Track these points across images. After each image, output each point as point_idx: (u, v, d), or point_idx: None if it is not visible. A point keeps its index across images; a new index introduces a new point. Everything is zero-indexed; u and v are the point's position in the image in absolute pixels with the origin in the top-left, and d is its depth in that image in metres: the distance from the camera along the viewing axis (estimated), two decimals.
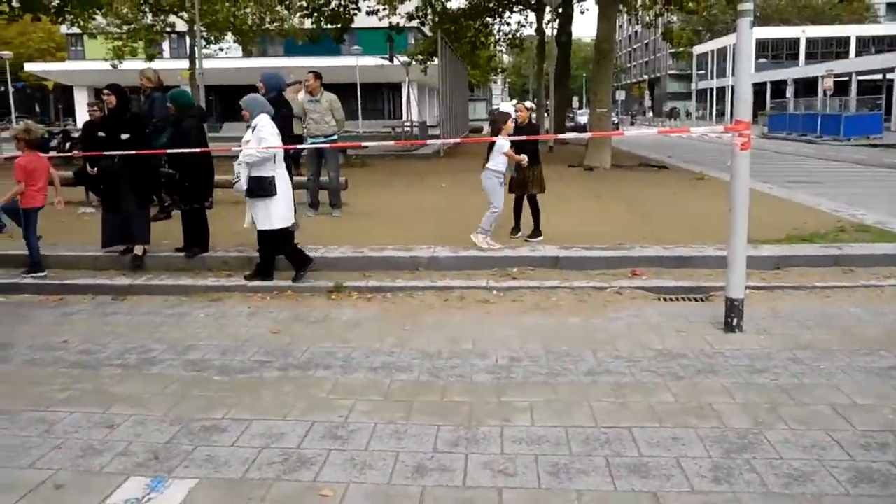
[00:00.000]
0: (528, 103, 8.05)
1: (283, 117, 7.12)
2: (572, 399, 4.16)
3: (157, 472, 3.41)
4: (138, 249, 7.24)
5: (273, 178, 6.41)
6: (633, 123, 64.90)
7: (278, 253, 6.75)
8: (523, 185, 8.05)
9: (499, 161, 7.55)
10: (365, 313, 5.94)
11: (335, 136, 9.70)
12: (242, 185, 6.41)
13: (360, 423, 3.89)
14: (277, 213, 6.47)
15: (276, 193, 6.41)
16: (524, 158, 7.68)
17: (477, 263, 7.08)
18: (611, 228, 8.45)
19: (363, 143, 8.97)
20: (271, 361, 4.83)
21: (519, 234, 8.13)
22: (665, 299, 6.23)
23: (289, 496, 3.18)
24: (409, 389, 4.33)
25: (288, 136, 7.02)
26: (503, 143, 7.47)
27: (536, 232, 8.03)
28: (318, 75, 9.58)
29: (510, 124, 7.58)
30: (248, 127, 6.45)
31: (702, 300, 6.20)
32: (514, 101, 7.93)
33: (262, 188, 6.38)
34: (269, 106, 6.60)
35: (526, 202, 8.19)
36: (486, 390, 4.30)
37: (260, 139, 6.33)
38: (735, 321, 5.30)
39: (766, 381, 4.38)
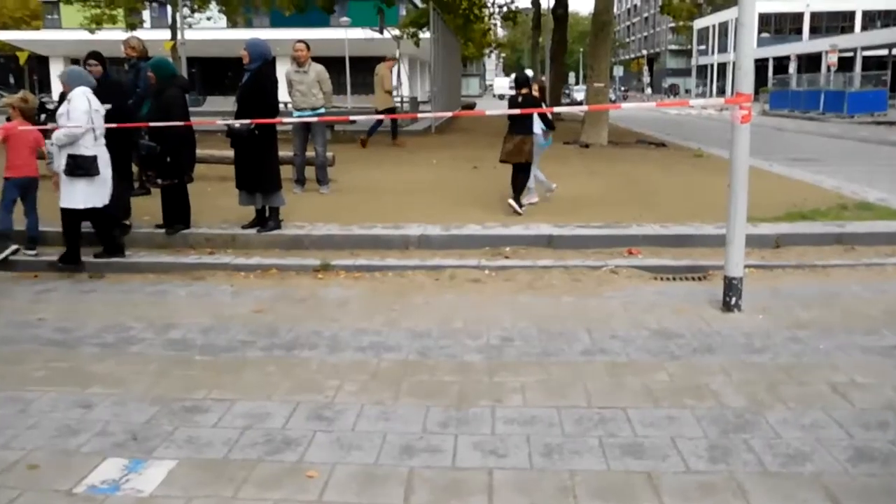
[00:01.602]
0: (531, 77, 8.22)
1: (265, 90, 7.03)
2: (565, 379, 4.16)
3: (135, 453, 3.39)
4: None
5: (95, 157, 6.39)
6: (625, 98, 64.60)
7: (104, 231, 6.66)
8: (516, 154, 8.07)
9: (536, 125, 8.15)
10: (353, 292, 5.92)
11: (322, 110, 9.65)
12: (57, 166, 6.45)
13: (347, 403, 3.88)
14: (87, 191, 6.39)
15: (98, 173, 6.39)
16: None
17: (468, 242, 7.07)
18: (607, 207, 8.43)
19: (350, 118, 8.90)
20: (255, 341, 4.81)
21: (521, 204, 8.22)
22: (662, 278, 6.24)
23: (273, 476, 3.18)
24: (397, 369, 4.32)
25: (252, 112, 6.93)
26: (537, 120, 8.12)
27: (518, 200, 8.08)
28: (307, 46, 9.50)
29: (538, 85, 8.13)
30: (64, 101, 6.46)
31: (699, 279, 6.22)
32: (531, 74, 8.03)
33: (82, 167, 6.33)
34: (89, 78, 6.60)
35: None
36: (477, 370, 4.30)
37: (69, 115, 6.31)
38: (733, 300, 5.31)
39: (765, 361, 4.40)
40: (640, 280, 6.18)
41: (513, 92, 8.34)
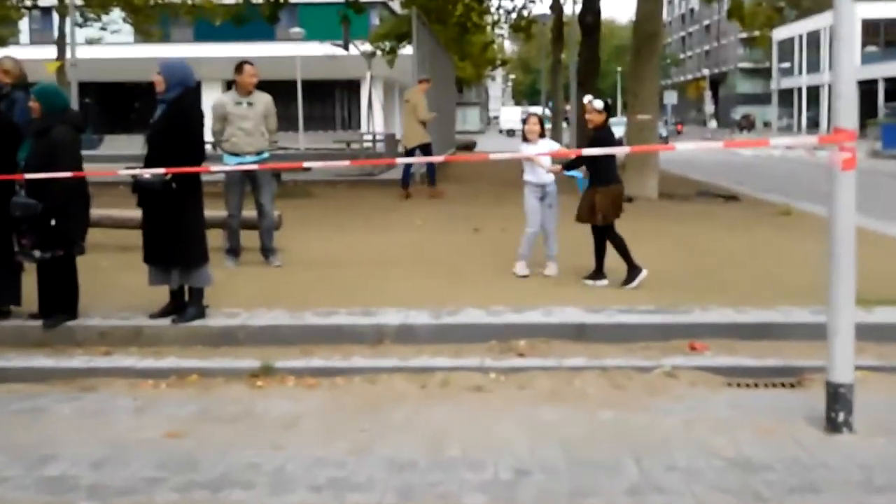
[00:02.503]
0: (598, 102, 8.54)
1: (185, 128, 7.14)
2: None
3: None
4: None
5: None
6: (678, 133, 65.45)
7: None
8: (588, 211, 8.56)
9: (529, 172, 8.87)
10: (305, 406, 5.89)
11: (267, 154, 9.81)
12: None
13: None
14: None
15: None
16: (556, 167, 8.68)
17: (468, 333, 7.07)
18: (659, 283, 8.48)
19: (304, 164, 9.03)
20: (166, 478, 4.76)
21: (599, 281, 8.60)
22: (738, 385, 6.24)
23: None
24: None
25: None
26: (524, 147, 8.83)
27: (597, 273, 8.61)
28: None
29: (533, 126, 8.79)
30: None
31: (791, 386, 6.22)
32: (588, 98, 8.49)
33: None
34: None
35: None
36: None
37: None
38: (841, 416, 5.29)
39: None
40: (707, 387, 6.17)
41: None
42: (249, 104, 9.61)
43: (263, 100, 9.72)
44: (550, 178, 8.88)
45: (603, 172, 8.49)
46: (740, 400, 5.93)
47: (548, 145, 9.05)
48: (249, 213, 9.91)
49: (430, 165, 17.72)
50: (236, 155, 9.55)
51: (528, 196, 8.96)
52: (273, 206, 9.90)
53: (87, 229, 7.52)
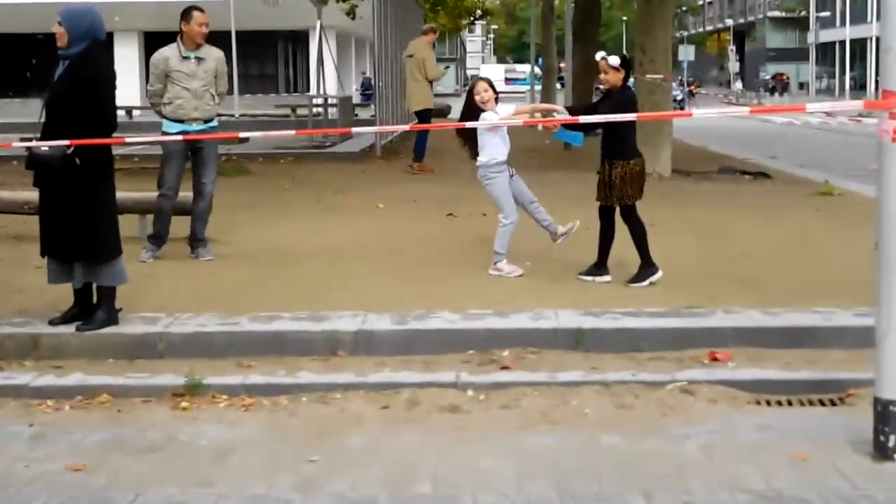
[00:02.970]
0: (613, 58, 8.53)
1: (91, 90, 7.09)
2: None
3: None
4: None
5: None
6: (692, 95, 65.45)
7: None
8: (605, 190, 8.57)
9: (492, 148, 8.78)
10: (241, 432, 5.88)
11: (216, 123, 9.79)
12: None
13: None
14: None
15: None
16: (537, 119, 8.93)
17: (440, 342, 7.08)
18: (673, 279, 8.53)
19: (240, 135, 8.98)
20: None
21: (600, 277, 8.57)
22: (768, 402, 6.26)
23: None
24: None
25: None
26: (489, 115, 8.69)
27: (641, 272, 8.48)
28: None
29: (484, 93, 8.73)
30: None
31: (832, 403, 6.24)
32: (602, 55, 8.48)
33: None
34: None
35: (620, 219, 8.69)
36: None
37: None
38: (892, 440, 5.32)
39: None
40: (731, 405, 6.19)
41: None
42: (199, 60, 9.51)
43: (214, 55, 9.64)
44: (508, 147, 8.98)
45: (620, 143, 8.48)
46: (770, 420, 5.95)
47: (506, 109, 9.09)
48: (150, 194, 9.82)
49: (422, 135, 17.93)
50: (180, 122, 9.49)
51: (497, 180, 8.92)
52: (214, 186, 9.87)
53: None
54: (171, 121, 9.52)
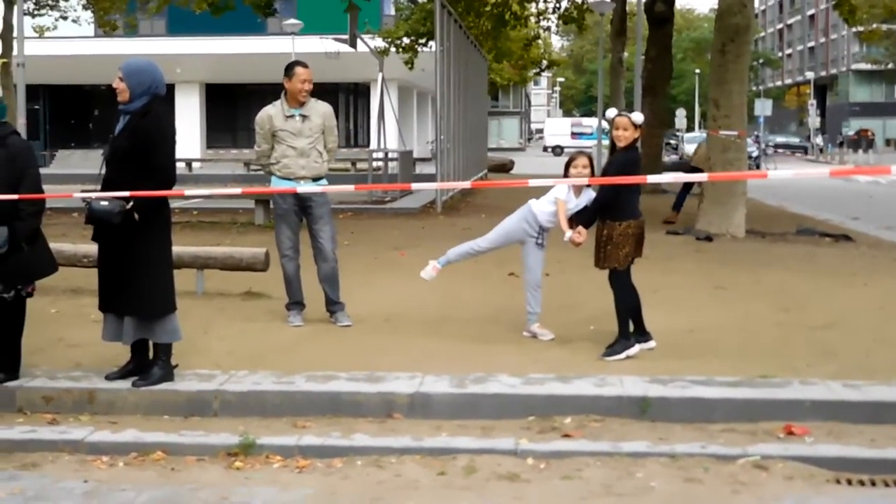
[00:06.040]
0: (637, 115, 8.46)
1: (151, 145, 7.26)
2: None
3: None
4: None
5: None
6: (774, 153, 64.97)
7: None
8: (597, 252, 8.39)
9: (544, 208, 8.81)
10: (294, 495, 5.90)
11: (325, 181, 9.68)
12: None
13: None
14: None
15: None
16: (576, 237, 8.44)
17: (499, 406, 7.09)
18: (746, 348, 8.48)
19: (298, 189, 9.08)
20: None
21: (645, 344, 8.42)
22: (849, 481, 6.16)
23: None
24: None
25: None
26: (560, 190, 8.67)
27: (616, 344, 8.29)
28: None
29: (582, 167, 8.63)
30: None
31: None
32: (614, 112, 8.43)
33: None
34: None
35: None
36: None
37: None
38: None
39: None
40: (808, 483, 6.10)
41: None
42: (303, 117, 9.38)
43: (321, 111, 9.52)
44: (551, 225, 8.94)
45: (622, 204, 8.32)
46: (851, 501, 5.88)
47: (587, 198, 8.75)
48: (207, 249, 9.83)
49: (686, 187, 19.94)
50: (289, 179, 9.41)
51: (530, 240, 8.96)
52: (336, 246, 9.74)
53: (45, 266, 7.60)
54: (280, 179, 9.44)
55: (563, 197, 8.64)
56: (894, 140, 79.24)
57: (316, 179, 9.50)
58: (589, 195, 8.59)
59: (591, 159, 8.83)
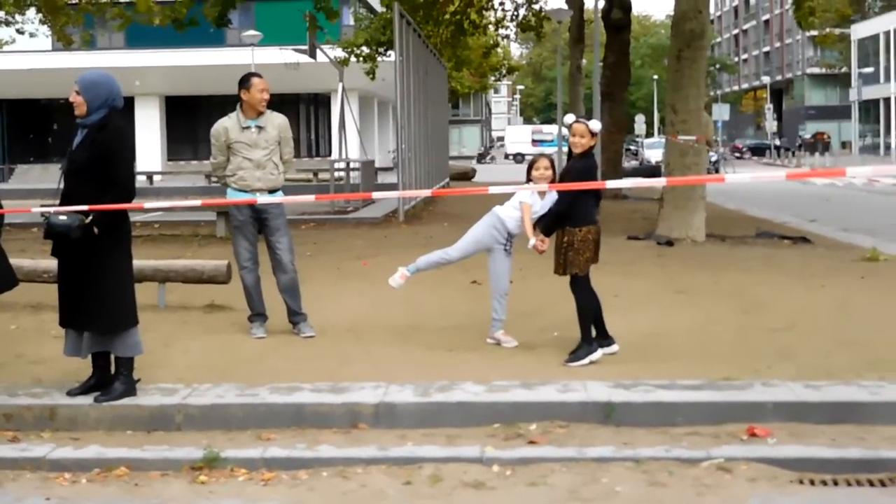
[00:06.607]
0: (595, 123, 8.51)
1: (109, 158, 7.22)
2: None
3: None
4: None
5: None
6: (724, 159, 64.89)
7: None
8: (557, 258, 8.44)
9: (511, 213, 8.83)
10: None
11: (281, 194, 9.68)
12: None
13: None
14: None
15: None
16: (539, 245, 8.51)
17: (464, 415, 7.11)
18: (708, 352, 8.53)
19: (259, 200, 9.06)
20: None
21: (608, 348, 8.47)
22: (812, 482, 6.20)
23: None
24: None
25: None
26: (524, 194, 8.68)
27: (579, 349, 8.32)
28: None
29: (544, 169, 8.62)
30: None
31: (882, 484, 6.18)
32: (572, 118, 8.43)
33: None
34: None
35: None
36: None
37: None
38: None
39: None
40: (772, 484, 6.14)
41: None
42: (259, 129, 9.36)
43: (276, 122, 9.50)
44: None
45: (581, 210, 8.37)
46: (815, 501, 5.91)
47: (551, 200, 8.73)
48: (169, 262, 9.80)
49: None
50: (246, 191, 9.41)
51: (498, 246, 9.01)
52: (294, 256, 9.78)
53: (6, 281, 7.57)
54: (236, 191, 9.43)
55: (527, 200, 8.67)
56: (849, 142, 79.88)
57: (272, 191, 9.50)
58: (553, 196, 8.58)
59: (552, 161, 8.86)
